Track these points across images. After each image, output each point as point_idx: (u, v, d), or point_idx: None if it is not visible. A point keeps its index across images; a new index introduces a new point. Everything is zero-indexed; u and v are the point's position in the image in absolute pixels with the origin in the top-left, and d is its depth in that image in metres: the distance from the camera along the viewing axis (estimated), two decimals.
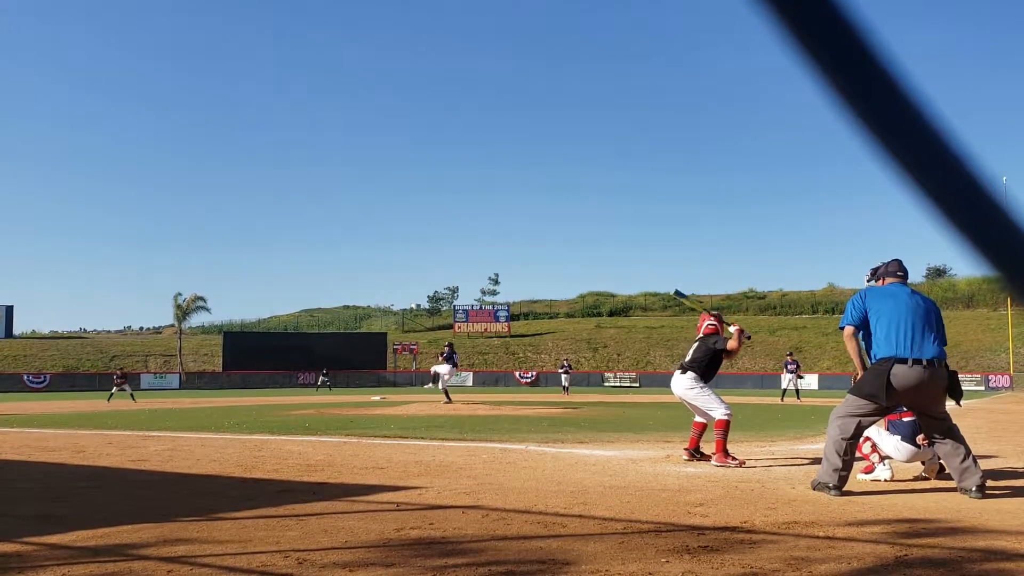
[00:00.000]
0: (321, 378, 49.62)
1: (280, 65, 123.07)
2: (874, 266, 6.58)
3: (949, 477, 6.84)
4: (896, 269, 6.35)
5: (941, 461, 6.96)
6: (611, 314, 73.81)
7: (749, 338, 8.48)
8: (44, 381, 51.95)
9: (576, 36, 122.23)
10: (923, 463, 6.96)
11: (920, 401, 6.00)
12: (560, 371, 39.27)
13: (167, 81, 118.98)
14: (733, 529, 4.60)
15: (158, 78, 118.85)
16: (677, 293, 9.10)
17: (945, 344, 6.12)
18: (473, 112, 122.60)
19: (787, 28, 0.61)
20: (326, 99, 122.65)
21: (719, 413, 7.89)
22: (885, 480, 6.70)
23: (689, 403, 8.21)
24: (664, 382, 48.45)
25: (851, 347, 6.25)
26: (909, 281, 6.43)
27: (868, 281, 6.65)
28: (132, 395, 30.63)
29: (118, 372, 32.64)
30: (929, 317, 6.03)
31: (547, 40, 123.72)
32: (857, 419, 6.04)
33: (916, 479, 6.90)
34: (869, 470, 6.81)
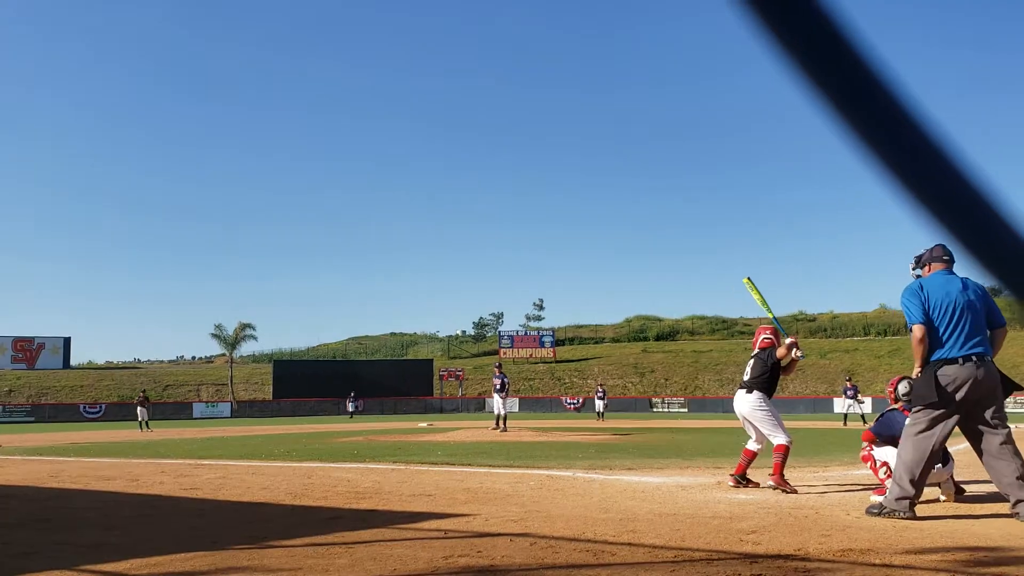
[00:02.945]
0: (351, 404, 49.76)
1: (323, 93, 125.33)
2: (918, 254, 6.26)
3: (966, 500, 6.64)
4: (941, 254, 6.04)
5: (962, 485, 6.78)
6: (658, 338, 73.25)
7: (803, 356, 8.32)
8: (100, 411, 53.05)
9: (618, 63, 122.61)
10: (939, 486, 6.78)
11: (979, 397, 5.70)
12: (596, 397, 39.04)
13: (212, 115, 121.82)
14: (787, 557, 4.50)
15: (202, 113, 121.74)
16: (749, 280, 8.72)
17: (1003, 325, 5.95)
18: (519, 139, 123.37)
19: (787, 45, 0.61)
20: (371, 127, 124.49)
21: (780, 439, 7.77)
22: None
23: (752, 423, 8.08)
24: (714, 407, 48.11)
25: (919, 351, 5.85)
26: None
27: (913, 270, 6.34)
28: (147, 422, 30.66)
29: (140, 396, 32.73)
30: (980, 310, 5.81)
31: (591, 68, 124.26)
32: (929, 435, 5.76)
33: (931, 503, 6.70)
34: (881, 493, 6.59)
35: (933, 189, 0.65)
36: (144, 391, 35.94)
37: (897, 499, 5.81)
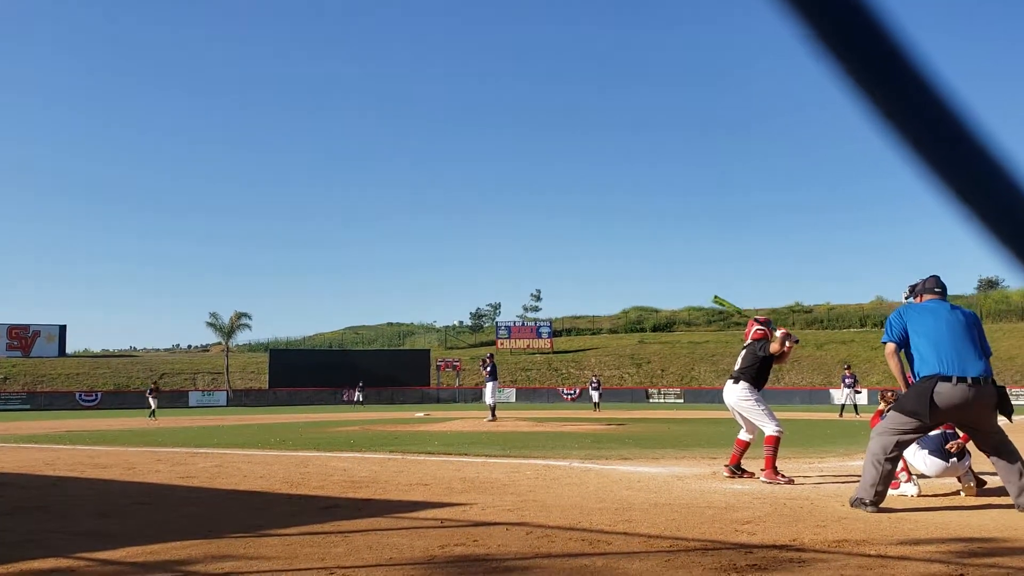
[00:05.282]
0: (357, 393, 49.75)
1: (320, 87, 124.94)
2: (912, 283, 6.47)
3: (987, 493, 6.67)
4: (934, 285, 6.23)
5: (982, 477, 6.82)
6: (654, 329, 73.28)
7: (796, 341, 8.35)
8: (95, 399, 52.97)
9: (618, 57, 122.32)
10: (959, 479, 6.77)
11: (967, 419, 5.88)
12: (590, 387, 39.05)
13: (209, 109, 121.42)
14: (782, 547, 4.52)
15: (199, 107, 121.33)
16: (716, 299, 8.98)
17: (990, 355, 5.99)
18: (516, 130, 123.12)
19: (821, 36, 0.61)
20: (369, 120, 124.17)
21: (770, 429, 7.77)
22: (912, 497, 6.55)
23: (740, 414, 8.10)
24: (710, 398, 48.24)
25: (893, 364, 6.15)
26: (953, 294, 6.29)
27: (906, 298, 6.57)
28: (154, 411, 31.22)
29: (152, 386, 33.27)
30: (971, 332, 5.90)
31: (588, 61, 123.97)
32: (897, 436, 5.91)
33: (950, 496, 6.72)
34: (895, 487, 6.61)
35: (968, 176, 0.64)
36: (156, 382, 36.68)
37: (865, 488, 5.89)
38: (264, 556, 4.40)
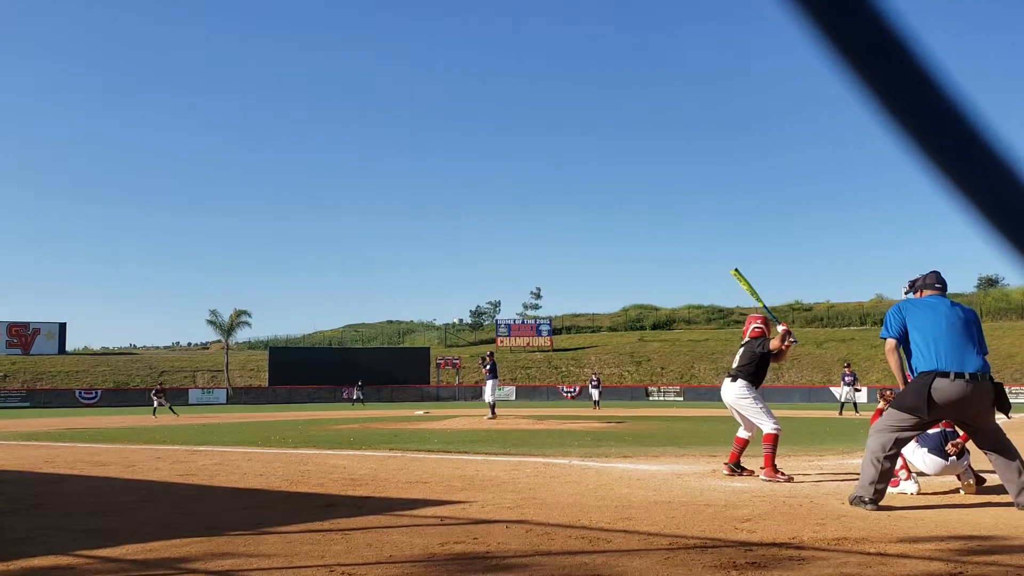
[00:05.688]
0: (357, 392, 49.70)
1: (323, 85, 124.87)
2: (912, 278, 6.45)
3: (987, 491, 6.68)
4: (934, 281, 6.20)
5: (981, 475, 6.84)
6: (654, 327, 73.28)
7: (795, 341, 8.34)
8: (95, 397, 52.98)
9: (619, 57, 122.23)
10: (958, 477, 6.79)
11: (965, 415, 5.87)
12: (590, 385, 39.10)
13: (209, 106, 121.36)
14: (781, 545, 4.52)
15: (198, 107, 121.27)
16: (735, 272, 8.77)
17: (986, 353, 5.98)
18: (516, 128, 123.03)
19: (824, 30, 0.61)
20: (368, 117, 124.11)
21: (768, 427, 7.79)
22: (911, 495, 6.56)
23: (738, 412, 8.11)
24: (709, 396, 48.27)
25: (892, 360, 6.15)
26: (953, 292, 6.26)
27: (906, 294, 6.53)
28: (172, 408, 31.13)
29: (156, 387, 33.35)
30: (970, 329, 5.89)
31: (589, 61, 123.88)
32: (896, 433, 5.90)
33: (950, 494, 6.73)
34: (894, 484, 6.63)
35: (974, 172, 0.64)
36: (161, 382, 37.02)
37: (864, 487, 5.89)
38: (264, 554, 4.40)
